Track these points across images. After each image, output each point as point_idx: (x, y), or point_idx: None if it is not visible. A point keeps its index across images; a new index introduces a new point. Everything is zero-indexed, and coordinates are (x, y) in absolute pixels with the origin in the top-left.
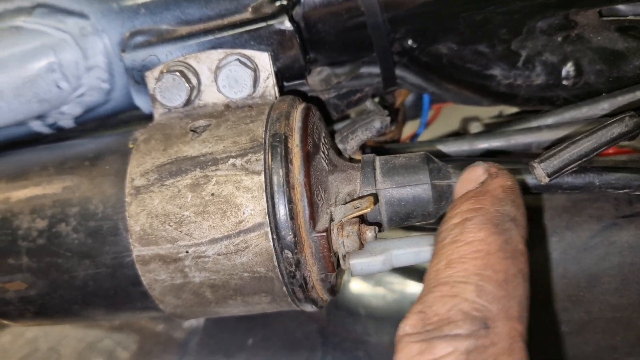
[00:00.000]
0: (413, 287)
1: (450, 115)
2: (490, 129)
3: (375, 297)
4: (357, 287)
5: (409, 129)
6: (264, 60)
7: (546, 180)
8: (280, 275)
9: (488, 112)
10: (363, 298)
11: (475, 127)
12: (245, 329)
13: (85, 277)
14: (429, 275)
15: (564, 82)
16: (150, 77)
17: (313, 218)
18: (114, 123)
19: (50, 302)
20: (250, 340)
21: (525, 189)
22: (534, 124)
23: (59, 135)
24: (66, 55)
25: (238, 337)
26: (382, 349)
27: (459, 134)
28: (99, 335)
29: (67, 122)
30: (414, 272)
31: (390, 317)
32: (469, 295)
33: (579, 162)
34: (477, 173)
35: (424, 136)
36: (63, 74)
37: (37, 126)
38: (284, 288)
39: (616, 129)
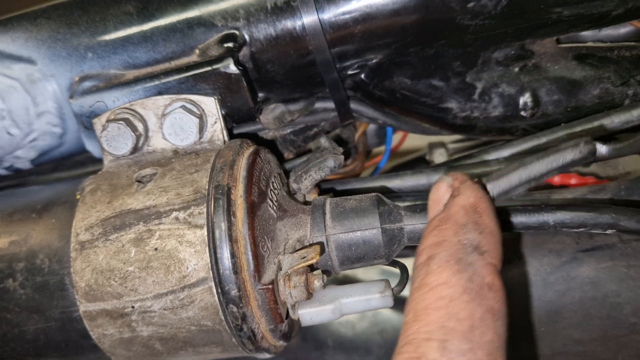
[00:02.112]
0: (383, 315)
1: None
2: (448, 162)
3: (343, 327)
4: None
5: (379, 150)
6: (210, 105)
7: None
8: (227, 328)
9: (454, 136)
10: (331, 327)
11: (439, 154)
12: None
13: (36, 330)
14: (401, 330)
15: (522, 113)
16: (98, 124)
17: (258, 271)
18: (70, 164)
19: (3, 355)
20: None
21: None
22: (492, 156)
23: (18, 176)
24: (15, 102)
25: None
26: None
27: (425, 159)
28: None
29: (23, 165)
30: None
31: (358, 348)
32: (433, 354)
33: (527, 185)
34: (440, 192)
35: (391, 161)
36: (13, 120)
37: None
38: (234, 339)
39: (569, 155)
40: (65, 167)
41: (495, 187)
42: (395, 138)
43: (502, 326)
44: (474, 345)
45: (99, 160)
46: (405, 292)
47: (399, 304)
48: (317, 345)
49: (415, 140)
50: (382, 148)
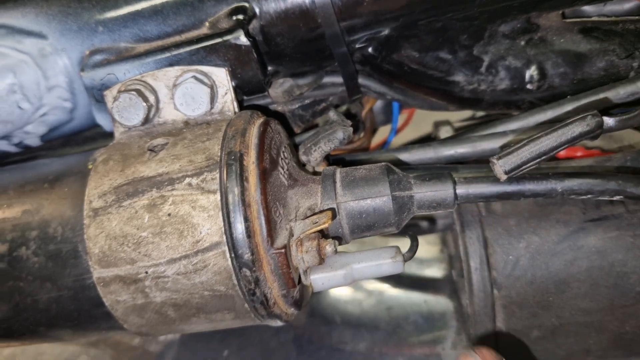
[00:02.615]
0: (389, 292)
1: (424, 119)
2: (457, 135)
3: (351, 304)
4: (333, 293)
5: (382, 133)
6: (221, 76)
7: (504, 177)
8: (240, 293)
9: (460, 114)
10: (339, 304)
11: (445, 132)
12: (220, 340)
13: (48, 299)
14: None
15: (528, 86)
16: (109, 96)
17: (271, 235)
18: (80, 140)
19: (15, 325)
20: (225, 351)
21: (489, 197)
22: (500, 129)
23: (27, 152)
24: (26, 76)
25: (213, 348)
26: (358, 357)
27: (431, 137)
28: (75, 351)
29: (33, 141)
30: (391, 278)
31: (366, 324)
32: None
33: (538, 160)
34: None
35: (397, 140)
36: (24, 94)
37: (4, 146)
38: (246, 305)
39: (577, 128)
40: (75, 142)
41: (506, 163)
42: (401, 119)
43: None
44: None
45: (109, 136)
46: (413, 269)
47: (406, 282)
48: (325, 321)
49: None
50: (387, 128)
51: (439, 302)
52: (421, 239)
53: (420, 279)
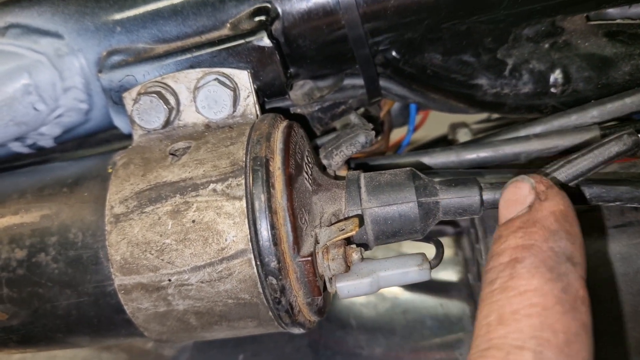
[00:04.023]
0: (405, 296)
1: (438, 119)
2: (478, 139)
3: (366, 307)
4: None
5: (397, 133)
6: (243, 78)
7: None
8: (265, 301)
9: (475, 116)
10: (354, 309)
11: (463, 134)
12: (235, 345)
13: (68, 306)
14: (479, 330)
15: (552, 90)
16: (128, 98)
17: (297, 243)
18: (94, 142)
19: (34, 331)
20: (240, 356)
21: None
22: (522, 133)
23: (40, 154)
24: (42, 77)
25: (228, 353)
26: None
27: (447, 138)
28: (88, 355)
29: (47, 142)
30: None
31: (381, 328)
32: None
33: (576, 181)
34: (522, 192)
35: (412, 138)
36: (39, 95)
37: (17, 147)
38: (270, 313)
39: (614, 148)
40: (90, 144)
41: None
42: (417, 119)
43: (592, 345)
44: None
45: (125, 137)
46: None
47: (422, 286)
48: (340, 325)
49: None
50: (401, 130)
51: (456, 306)
52: None
53: (435, 282)
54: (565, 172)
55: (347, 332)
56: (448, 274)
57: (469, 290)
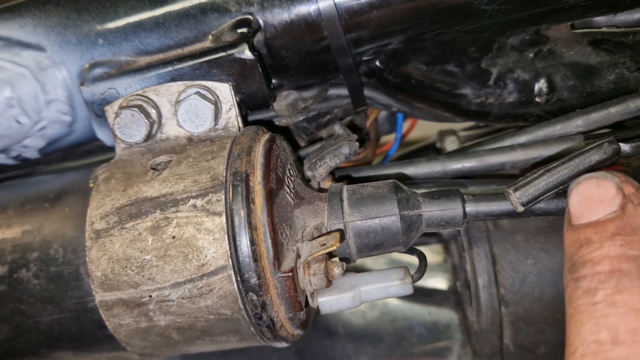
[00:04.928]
0: (393, 304)
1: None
2: (464, 149)
3: (354, 316)
4: None
5: (385, 138)
6: (225, 91)
7: (521, 209)
8: (247, 317)
9: (464, 123)
10: (342, 317)
11: (451, 142)
12: (221, 355)
13: (50, 321)
14: (585, 347)
15: (537, 99)
16: (110, 111)
17: (277, 258)
18: (79, 153)
19: (16, 347)
20: None
21: (498, 215)
22: (507, 142)
23: (25, 165)
24: (24, 90)
25: None
26: None
27: (436, 147)
28: None
29: (31, 154)
30: None
31: (369, 337)
32: None
33: (555, 190)
34: (607, 192)
35: (399, 149)
36: (22, 109)
37: (1, 159)
38: (252, 328)
39: (594, 157)
40: (74, 155)
41: (523, 194)
42: (405, 125)
43: None
44: None
45: (109, 149)
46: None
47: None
48: (328, 334)
49: (423, 130)
50: (390, 136)
51: (444, 314)
52: (425, 248)
53: (424, 289)
54: (545, 181)
55: (334, 340)
56: (436, 281)
57: (457, 298)
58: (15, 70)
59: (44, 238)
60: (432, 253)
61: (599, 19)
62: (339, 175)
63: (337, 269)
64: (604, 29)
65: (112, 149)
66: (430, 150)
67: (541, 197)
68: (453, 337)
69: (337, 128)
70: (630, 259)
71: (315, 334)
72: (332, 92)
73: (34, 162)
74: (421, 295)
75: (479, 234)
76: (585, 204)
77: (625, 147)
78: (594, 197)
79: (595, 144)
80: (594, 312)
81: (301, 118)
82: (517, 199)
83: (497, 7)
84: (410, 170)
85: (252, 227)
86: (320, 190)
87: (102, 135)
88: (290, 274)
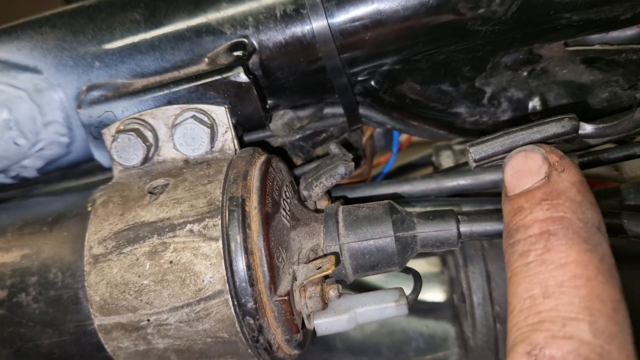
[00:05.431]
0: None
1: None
2: (458, 166)
3: (353, 329)
4: None
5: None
6: (221, 114)
7: (474, 165)
8: (244, 340)
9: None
10: None
11: (446, 156)
12: None
13: (50, 345)
14: (521, 303)
15: (531, 117)
16: (107, 134)
17: (274, 282)
18: (78, 173)
19: None
20: None
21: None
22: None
23: (24, 184)
24: (22, 112)
25: None
26: None
27: (432, 161)
28: None
29: (30, 174)
30: None
31: (367, 350)
32: (585, 335)
33: (508, 152)
34: (534, 162)
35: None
36: (20, 130)
37: (1, 179)
38: (249, 350)
39: (552, 128)
40: (73, 175)
41: (477, 151)
42: (401, 138)
43: (628, 310)
44: (620, 327)
45: (107, 169)
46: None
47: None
48: (326, 347)
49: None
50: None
51: (441, 327)
52: (421, 260)
53: (421, 302)
54: (501, 142)
55: (332, 354)
56: (434, 294)
57: (454, 311)
58: (13, 93)
59: (42, 262)
60: (430, 265)
61: (592, 37)
62: (335, 195)
63: (333, 292)
64: (596, 47)
65: (110, 169)
66: (426, 164)
67: (494, 158)
68: (450, 351)
69: (333, 147)
70: (557, 220)
71: (313, 348)
72: (328, 110)
73: (32, 181)
74: (419, 308)
75: (474, 252)
76: (517, 176)
77: (586, 126)
78: (523, 169)
79: (556, 117)
80: (528, 272)
81: (297, 137)
82: (471, 155)
83: (490, 28)
84: (406, 188)
85: (248, 252)
86: (317, 210)
87: (100, 156)
88: (286, 297)
